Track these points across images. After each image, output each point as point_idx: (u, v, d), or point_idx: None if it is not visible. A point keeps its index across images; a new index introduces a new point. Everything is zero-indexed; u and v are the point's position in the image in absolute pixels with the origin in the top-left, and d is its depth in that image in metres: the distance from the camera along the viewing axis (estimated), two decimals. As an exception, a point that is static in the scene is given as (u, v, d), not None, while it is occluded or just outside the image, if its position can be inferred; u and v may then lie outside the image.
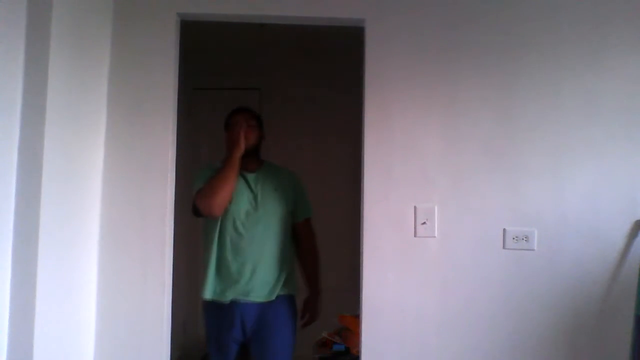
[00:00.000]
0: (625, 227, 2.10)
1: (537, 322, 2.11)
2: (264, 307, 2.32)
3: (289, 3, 2.17)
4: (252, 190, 2.36)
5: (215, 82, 4.14)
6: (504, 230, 2.12)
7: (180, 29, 2.20)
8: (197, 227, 3.80)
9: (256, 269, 2.30)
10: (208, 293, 2.31)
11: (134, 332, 2.05)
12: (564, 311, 2.10)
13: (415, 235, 2.12)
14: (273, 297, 2.33)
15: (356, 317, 2.46)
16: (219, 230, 2.32)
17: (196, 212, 2.34)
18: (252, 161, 2.41)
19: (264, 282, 2.32)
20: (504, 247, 2.12)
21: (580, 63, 2.16)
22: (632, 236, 2.10)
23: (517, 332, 2.10)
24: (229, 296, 2.30)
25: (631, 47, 2.16)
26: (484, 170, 2.14)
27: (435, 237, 2.12)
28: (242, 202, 2.33)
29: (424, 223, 2.12)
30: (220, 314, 2.33)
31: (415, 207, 2.13)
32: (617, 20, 2.17)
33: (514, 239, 2.12)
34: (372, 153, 2.14)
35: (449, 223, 2.12)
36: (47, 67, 1.63)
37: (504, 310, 2.11)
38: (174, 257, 2.16)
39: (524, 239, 2.11)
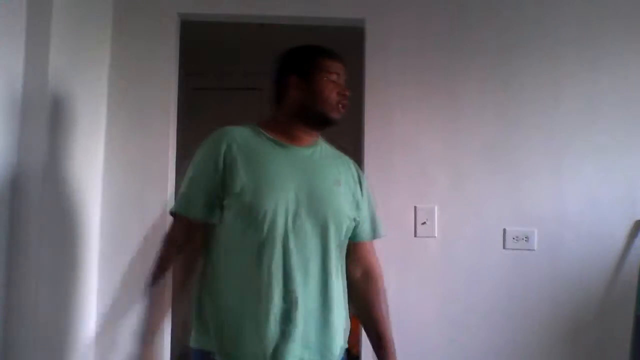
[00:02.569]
0: (625, 227, 2.10)
1: (537, 321, 2.10)
2: None
3: (289, 3, 2.17)
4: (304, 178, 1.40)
5: (215, 82, 4.13)
6: (504, 230, 2.12)
7: (180, 29, 2.20)
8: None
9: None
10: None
11: (134, 332, 2.04)
12: (564, 311, 2.10)
13: (415, 235, 2.12)
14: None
15: (356, 317, 2.46)
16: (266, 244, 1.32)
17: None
18: (313, 133, 1.46)
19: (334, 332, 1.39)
20: (504, 247, 2.12)
21: (580, 63, 2.16)
22: (632, 236, 2.09)
23: (517, 332, 2.10)
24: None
25: (631, 47, 2.16)
26: (484, 170, 2.14)
27: (435, 237, 2.12)
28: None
29: (424, 223, 2.12)
30: None
31: (415, 207, 2.13)
32: (616, 20, 2.17)
33: (514, 239, 2.12)
34: (372, 153, 2.14)
35: (449, 223, 2.12)
36: (47, 67, 1.63)
37: (504, 310, 2.11)
38: (174, 257, 2.16)
39: (524, 239, 2.11)
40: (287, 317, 1.29)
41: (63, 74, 1.73)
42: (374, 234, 1.54)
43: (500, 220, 2.13)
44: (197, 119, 4.03)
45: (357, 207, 1.47)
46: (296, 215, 1.33)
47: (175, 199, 1.46)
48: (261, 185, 1.32)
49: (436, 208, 2.13)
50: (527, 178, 2.13)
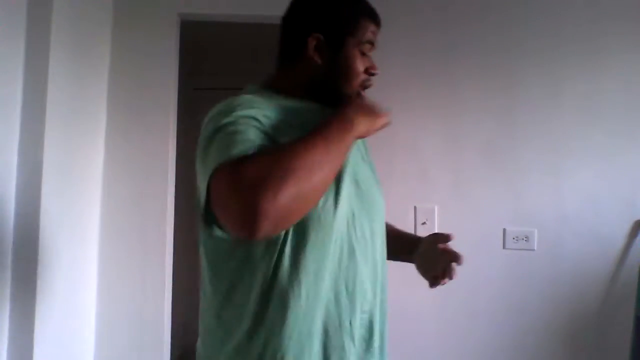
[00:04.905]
0: (625, 227, 2.10)
1: (537, 321, 2.10)
2: None
3: (289, 3, 2.17)
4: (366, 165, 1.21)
5: (215, 82, 4.13)
6: (504, 230, 2.12)
7: (180, 29, 2.20)
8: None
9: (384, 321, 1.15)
10: None
11: (134, 332, 2.05)
12: (564, 311, 2.10)
13: (415, 235, 2.12)
14: None
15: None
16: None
17: (211, 216, 0.96)
18: None
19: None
20: (504, 247, 2.12)
21: (580, 63, 2.16)
22: (632, 236, 2.09)
23: (517, 332, 2.10)
24: None
25: (631, 47, 2.16)
26: (484, 170, 2.14)
27: (435, 237, 2.12)
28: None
29: (424, 223, 2.12)
30: None
31: (415, 207, 2.13)
32: (617, 20, 2.17)
33: (514, 239, 2.12)
34: (371, 153, 2.13)
35: (449, 223, 2.12)
36: (47, 67, 1.63)
37: (504, 310, 2.11)
38: (174, 257, 2.16)
39: (524, 239, 2.11)
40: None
41: (63, 74, 1.73)
42: None
43: (500, 220, 2.13)
44: (197, 119, 4.04)
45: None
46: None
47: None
48: None
49: (436, 208, 2.13)
50: (527, 178, 2.13)
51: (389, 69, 2.17)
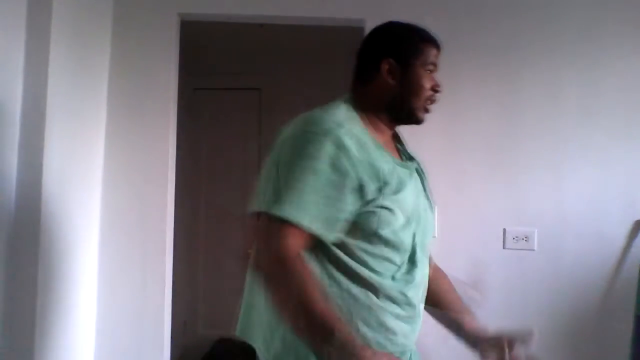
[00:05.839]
0: (625, 227, 2.10)
1: (536, 321, 2.10)
2: None
3: (289, 3, 2.17)
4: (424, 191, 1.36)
5: (215, 82, 4.13)
6: (504, 230, 2.12)
7: (181, 29, 2.20)
8: (198, 226, 3.78)
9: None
10: None
11: (134, 332, 2.05)
12: (564, 311, 2.09)
13: (415, 235, 2.12)
14: None
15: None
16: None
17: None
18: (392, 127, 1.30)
19: None
20: (504, 247, 2.12)
21: (581, 63, 2.16)
22: (632, 236, 2.09)
23: (517, 332, 2.10)
24: None
25: (631, 47, 2.16)
26: (484, 170, 2.14)
27: (435, 237, 2.12)
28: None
29: (424, 223, 2.12)
30: None
31: (415, 207, 2.13)
32: (617, 20, 2.17)
33: (514, 239, 2.12)
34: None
35: (449, 223, 2.12)
36: (47, 67, 1.63)
37: (504, 310, 2.11)
38: (174, 256, 2.16)
39: (524, 239, 2.11)
40: None
41: (63, 74, 1.73)
42: None
43: (500, 220, 2.12)
44: (197, 119, 4.04)
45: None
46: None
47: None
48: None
49: (436, 208, 2.13)
50: (527, 178, 2.13)
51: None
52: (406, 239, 1.15)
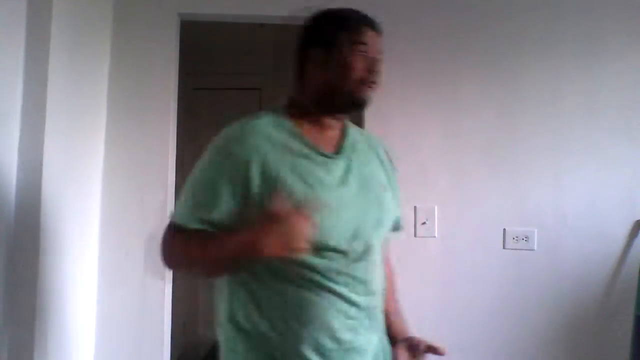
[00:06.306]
0: (625, 227, 2.10)
1: (536, 322, 2.10)
2: None
3: (288, 3, 2.17)
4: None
5: (215, 82, 4.13)
6: (504, 230, 2.12)
7: (180, 29, 2.20)
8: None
9: None
10: None
11: (134, 332, 2.05)
12: (564, 311, 2.10)
13: (415, 235, 2.12)
14: None
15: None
16: None
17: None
18: (340, 117, 1.26)
19: None
20: (504, 247, 2.12)
21: (581, 63, 2.16)
22: (632, 236, 2.09)
23: (517, 332, 2.10)
24: None
25: (631, 47, 2.16)
26: (484, 170, 2.14)
27: (435, 237, 2.12)
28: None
29: (424, 223, 2.12)
30: None
31: (415, 207, 2.13)
32: (616, 20, 2.17)
33: (514, 239, 2.12)
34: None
35: (449, 223, 2.12)
36: (47, 67, 1.63)
37: (504, 310, 2.11)
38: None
39: (524, 239, 2.11)
40: None
41: (63, 73, 1.73)
42: (398, 225, 1.38)
43: (500, 220, 2.12)
44: (197, 119, 4.04)
45: (397, 201, 1.34)
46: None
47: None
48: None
49: (436, 208, 2.13)
50: (527, 178, 2.13)
51: (389, 69, 2.16)
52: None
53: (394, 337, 1.33)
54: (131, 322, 2.05)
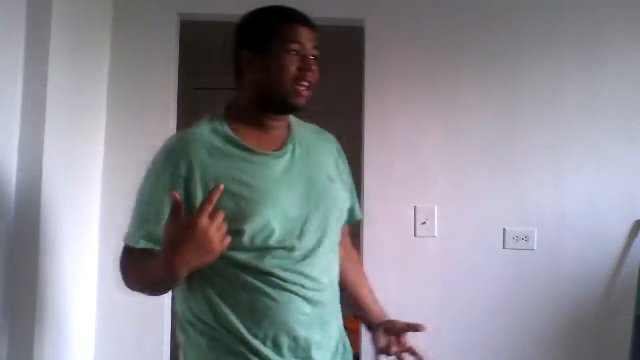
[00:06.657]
0: (625, 227, 2.10)
1: (536, 322, 2.10)
2: None
3: (288, 3, 2.17)
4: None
5: (215, 82, 4.12)
6: (504, 230, 2.12)
7: (180, 29, 2.20)
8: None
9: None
10: None
11: (134, 332, 2.05)
12: (564, 311, 2.10)
13: (415, 235, 2.12)
14: None
15: (356, 316, 2.46)
16: None
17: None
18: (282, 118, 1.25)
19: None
20: (504, 247, 2.12)
21: (581, 63, 2.16)
22: (632, 236, 2.09)
23: (517, 332, 2.10)
24: None
25: (631, 47, 2.16)
26: (484, 170, 2.14)
27: (435, 237, 2.12)
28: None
29: (424, 223, 2.12)
30: None
31: (415, 207, 2.13)
32: (616, 20, 2.17)
33: (514, 239, 2.12)
34: (371, 153, 2.14)
35: (449, 223, 2.12)
36: (47, 67, 1.63)
37: (504, 310, 2.11)
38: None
39: (524, 239, 2.11)
40: None
41: (63, 73, 1.73)
42: (355, 215, 1.37)
43: (500, 220, 2.12)
44: (197, 119, 4.04)
45: (350, 193, 1.33)
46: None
47: None
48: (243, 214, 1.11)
49: (436, 208, 2.13)
50: (527, 178, 2.13)
51: (389, 69, 2.17)
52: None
53: (371, 322, 1.33)
54: (131, 322, 2.05)
